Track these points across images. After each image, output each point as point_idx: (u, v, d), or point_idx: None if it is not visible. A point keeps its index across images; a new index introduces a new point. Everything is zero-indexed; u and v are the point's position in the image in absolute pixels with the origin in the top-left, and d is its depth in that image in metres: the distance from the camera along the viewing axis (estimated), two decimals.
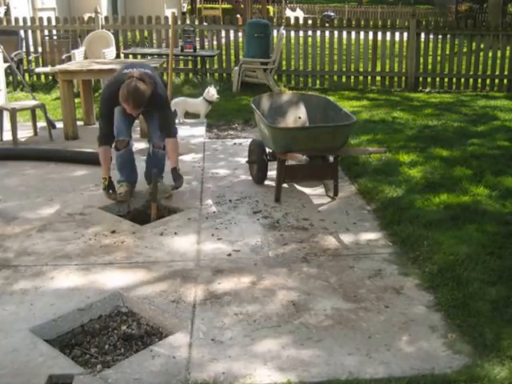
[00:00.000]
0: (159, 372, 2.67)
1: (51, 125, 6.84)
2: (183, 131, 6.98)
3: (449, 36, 10.30)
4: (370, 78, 10.51)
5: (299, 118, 5.33)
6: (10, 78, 9.73)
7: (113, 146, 4.68)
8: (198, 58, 10.42)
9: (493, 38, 10.22)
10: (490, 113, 8.29)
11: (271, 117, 5.29)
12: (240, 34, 10.89)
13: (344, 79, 10.53)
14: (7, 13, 12.48)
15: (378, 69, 10.64)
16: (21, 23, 10.47)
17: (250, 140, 5.85)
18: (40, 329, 3.00)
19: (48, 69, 9.48)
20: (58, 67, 6.96)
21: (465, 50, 10.34)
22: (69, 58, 9.34)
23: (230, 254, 3.85)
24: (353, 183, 5.25)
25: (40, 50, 10.45)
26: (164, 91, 4.70)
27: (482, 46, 10.37)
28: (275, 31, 10.12)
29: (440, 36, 10.34)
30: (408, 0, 38.76)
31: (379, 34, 10.44)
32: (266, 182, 5.18)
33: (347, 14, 31.25)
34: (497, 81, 10.38)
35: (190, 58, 10.51)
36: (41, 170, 5.57)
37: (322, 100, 5.51)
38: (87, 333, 3.10)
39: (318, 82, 10.51)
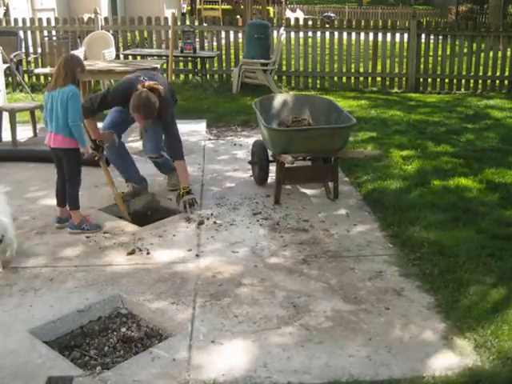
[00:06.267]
0: (159, 374, 2.66)
1: None
2: (184, 132, 6.97)
3: (449, 37, 10.30)
4: (370, 78, 10.51)
5: (303, 119, 5.32)
6: (10, 78, 9.71)
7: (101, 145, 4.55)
8: (198, 59, 10.42)
9: (493, 39, 10.22)
10: (490, 113, 8.29)
11: (275, 118, 5.28)
12: (240, 34, 10.89)
13: (344, 80, 10.52)
14: (6, 13, 12.46)
15: (379, 70, 10.64)
16: (20, 24, 10.48)
17: (249, 141, 5.85)
18: (39, 330, 2.99)
19: (47, 70, 9.42)
20: None
21: (465, 51, 10.34)
22: None
23: (229, 256, 3.84)
24: (353, 184, 5.24)
25: (39, 50, 10.45)
26: (172, 109, 4.63)
27: (482, 47, 10.37)
28: (275, 32, 10.11)
29: (440, 37, 10.33)
30: (408, 1, 38.79)
31: (379, 34, 10.44)
32: (268, 183, 5.17)
33: (347, 14, 31.26)
34: (497, 82, 10.37)
35: (189, 58, 10.51)
36: (40, 171, 5.56)
37: (325, 101, 5.50)
38: (86, 334, 3.09)
39: (318, 82, 10.50)
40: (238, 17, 13.06)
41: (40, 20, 10.53)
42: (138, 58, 9.88)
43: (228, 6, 22.33)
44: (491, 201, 4.78)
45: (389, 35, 10.40)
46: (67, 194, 4.23)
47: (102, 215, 4.53)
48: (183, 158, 4.61)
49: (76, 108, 4.06)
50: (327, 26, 10.76)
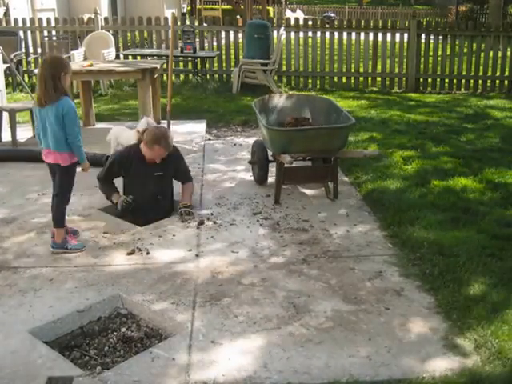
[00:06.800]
0: (159, 374, 2.66)
1: None
2: (184, 132, 6.98)
3: (449, 37, 10.30)
4: (370, 78, 10.51)
5: (304, 119, 5.31)
6: (10, 78, 9.72)
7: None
8: (198, 59, 10.42)
9: (493, 39, 10.22)
10: (490, 113, 8.29)
11: (275, 118, 5.28)
12: (240, 34, 10.89)
13: (344, 80, 10.53)
14: (6, 13, 12.46)
15: (379, 70, 10.64)
16: (20, 24, 10.48)
17: (249, 141, 5.85)
18: (39, 330, 2.99)
19: None
20: None
21: (465, 51, 10.34)
22: (68, 59, 9.32)
23: (229, 256, 3.84)
24: (353, 184, 5.24)
25: (39, 50, 10.45)
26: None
27: (482, 47, 10.37)
28: (275, 32, 10.11)
29: (440, 37, 10.33)
30: (408, 1, 38.78)
31: (379, 34, 10.44)
32: (268, 183, 5.17)
33: (347, 14, 31.27)
34: (497, 82, 10.37)
35: (189, 58, 10.51)
36: (41, 171, 5.55)
37: (325, 101, 5.50)
38: (86, 335, 3.09)
39: (318, 82, 10.50)
40: (238, 17, 13.06)
41: (40, 20, 10.53)
42: (138, 57, 9.88)
43: (228, 6, 22.33)
44: (491, 201, 4.78)
45: (389, 35, 10.41)
46: (53, 209, 3.91)
47: (101, 215, 4.53)
48: (192, 180, 4.76)
49: (73, 123, 3.75)
50: (327, 26, 10.77)
